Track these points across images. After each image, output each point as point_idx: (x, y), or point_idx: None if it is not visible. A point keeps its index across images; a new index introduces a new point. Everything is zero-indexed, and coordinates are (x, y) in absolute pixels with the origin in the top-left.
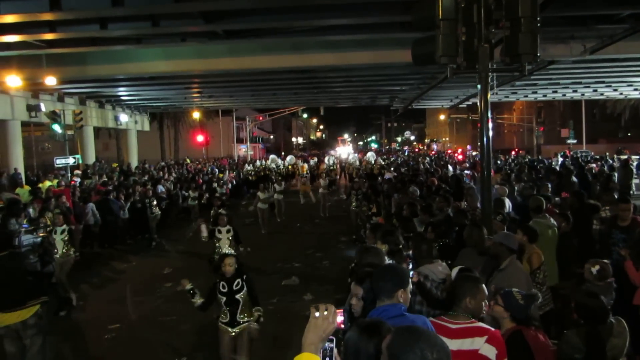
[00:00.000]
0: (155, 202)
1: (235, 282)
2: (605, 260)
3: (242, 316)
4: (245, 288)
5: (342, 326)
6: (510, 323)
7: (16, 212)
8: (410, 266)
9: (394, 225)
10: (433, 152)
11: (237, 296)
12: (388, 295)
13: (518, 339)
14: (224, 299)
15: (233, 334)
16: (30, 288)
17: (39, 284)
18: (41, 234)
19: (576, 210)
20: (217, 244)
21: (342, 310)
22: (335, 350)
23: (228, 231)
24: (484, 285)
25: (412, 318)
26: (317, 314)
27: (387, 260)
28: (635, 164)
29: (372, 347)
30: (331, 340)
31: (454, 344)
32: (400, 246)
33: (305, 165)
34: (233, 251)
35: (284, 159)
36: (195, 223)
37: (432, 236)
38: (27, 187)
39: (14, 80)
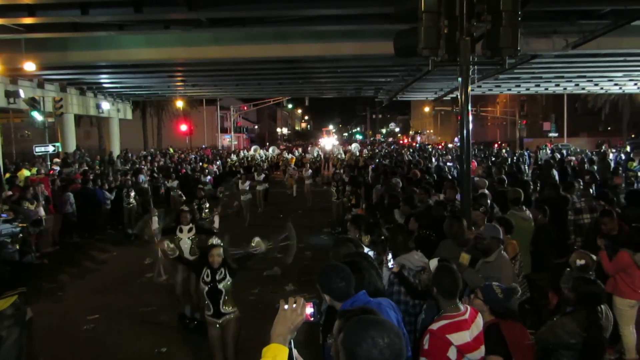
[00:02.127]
0: (132, 193)
1: (219, 272)
2: (593, 256)
3: (225, 307)
4: (227, 276)
5: (312, 318)
6: (489, 316)
7: None
8: (390, 257)
9: (376, 216)
10: (414, 143)
11: (220, 286)
12: (347, 294)
13: (494, 332)
14: (206, 288)
15: (218, 325)
16: (7, 278)
17: (17, 275)
18: (20, 224)
19: (553, 202)
20: (170, 245)
21: (311, 302)
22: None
23: (190, 230)
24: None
25: (377, 301)
26: (285, 306)
27: (367, 251)
28: (612, 156)
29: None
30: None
31: (472, 332)
32: (383, 237)
33: (294, 158)
34: (192, 257)
35: (267, 149)
36: (147, 216)
37: (416, 227)
38: (25, 172)
39: None
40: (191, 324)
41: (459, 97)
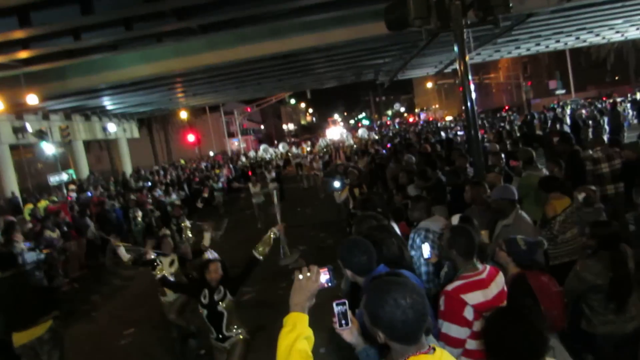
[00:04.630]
0: (139, 213)
1: (218, 290)
2: (592, 187)
3: (230, 328)
4: (227, 294)
5: (328, 284)
6: (514, 268)
7: (10, 233)
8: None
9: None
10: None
11: (219, 307)
12: (369, 269)
13: (520, 282)
14: (205, 312)
15: (224, 349)
16: (40, 304)
17: (48, 299)
18: (44, 251)
19: (569, 154)
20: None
21: (325, 268)
22: (349, 312)
23: (172, 263)
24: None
25: (396, 272)
26: (300, 276)
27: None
28: (626, 106)
29: None
30: (343, 303)
31: (491, 291)
32: (379, 209)
33: (306, 147)
34: (172, 297)
35: (276, 147)
36: (109, 246)
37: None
38: (44, 202)
39: None
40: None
41: (457, 66)
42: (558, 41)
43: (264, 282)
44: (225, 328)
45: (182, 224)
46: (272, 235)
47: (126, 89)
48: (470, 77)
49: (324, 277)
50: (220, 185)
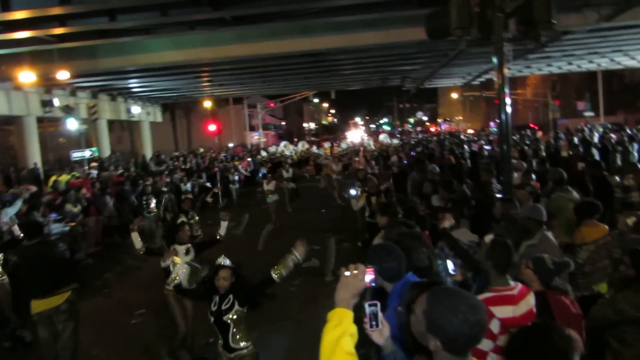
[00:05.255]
0: (153, 200)
1: (226, 300)
2: None
3: (237, 340)
4: (236, 305)
5: (372, 284)
6: (538, 287)
7: (36, 204)
8: (451, 264)
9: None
10: (439, 131)
11: (225, 318)
12: (398, 275)
13: (540, 299)
14: (212, 319)
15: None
16: (61, 275)
17: (69, 271)
18: (69, 224)
19: (597, 180)
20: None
21: (372, 269)
22: (380, 314)
23: (187, 252)
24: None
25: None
26: (347, 273)
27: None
28: None
29: None
30: (375, 305)
31: (520, 309)
32: (400, 215)
33: (328, 148)
34: (190, 284)
35: (296, 144)
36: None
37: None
38: (65, 176)
39: (28, 76)
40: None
41: (494, 78)
42: (591, 61)
43: None
44: (231, 339)
45: (192, 220)
46: (293, 260)
47: (154, 73)
48: (507, 90)
49: (369, 276)
50: (236, 177)
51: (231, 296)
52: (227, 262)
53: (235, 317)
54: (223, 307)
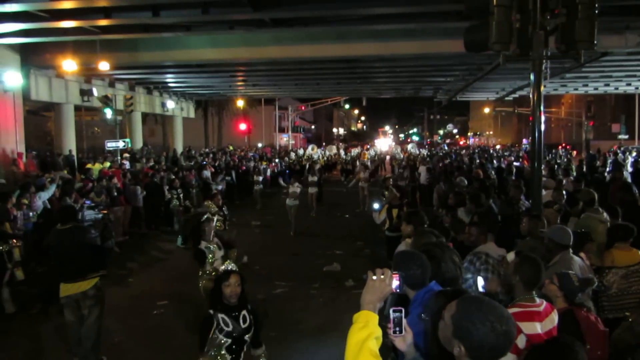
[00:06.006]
0: (180, 192)
1: (242, 316)
2: None
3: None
4: (252, 324)
5: (397, 290)
6: (562, 303)
7: (68, 190)
8: (481, 279)
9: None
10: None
11: (247, 336)
12: (422, 283)
13: (569, 318)
14: (229, 341)
15: None
16: (91, 261)
17: (99, 258)
18: (103, 211)
19: (628, 204)
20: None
21: (397, 275)
22: (404, 320)
23: (219, 248)
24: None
25: None
26: (374, 277)
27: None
28: None
29: None
30: (400, 311)
31: (545, 326)
32: (426, 225)
33: (367, 154)
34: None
35: (324, 149)
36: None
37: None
38: (98, 165)
39: (70, 65)
40: None
41: (530, 95)
42: (629, 84)
43: (296, 280)
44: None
45: (220, 215)
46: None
47: (190, 69)
48: (542, 108)
49: (395, 282)
50: (261, 178)
51: (245, 311)
52: (233, 266)
53: (252, 335)
54: (244, 325)
